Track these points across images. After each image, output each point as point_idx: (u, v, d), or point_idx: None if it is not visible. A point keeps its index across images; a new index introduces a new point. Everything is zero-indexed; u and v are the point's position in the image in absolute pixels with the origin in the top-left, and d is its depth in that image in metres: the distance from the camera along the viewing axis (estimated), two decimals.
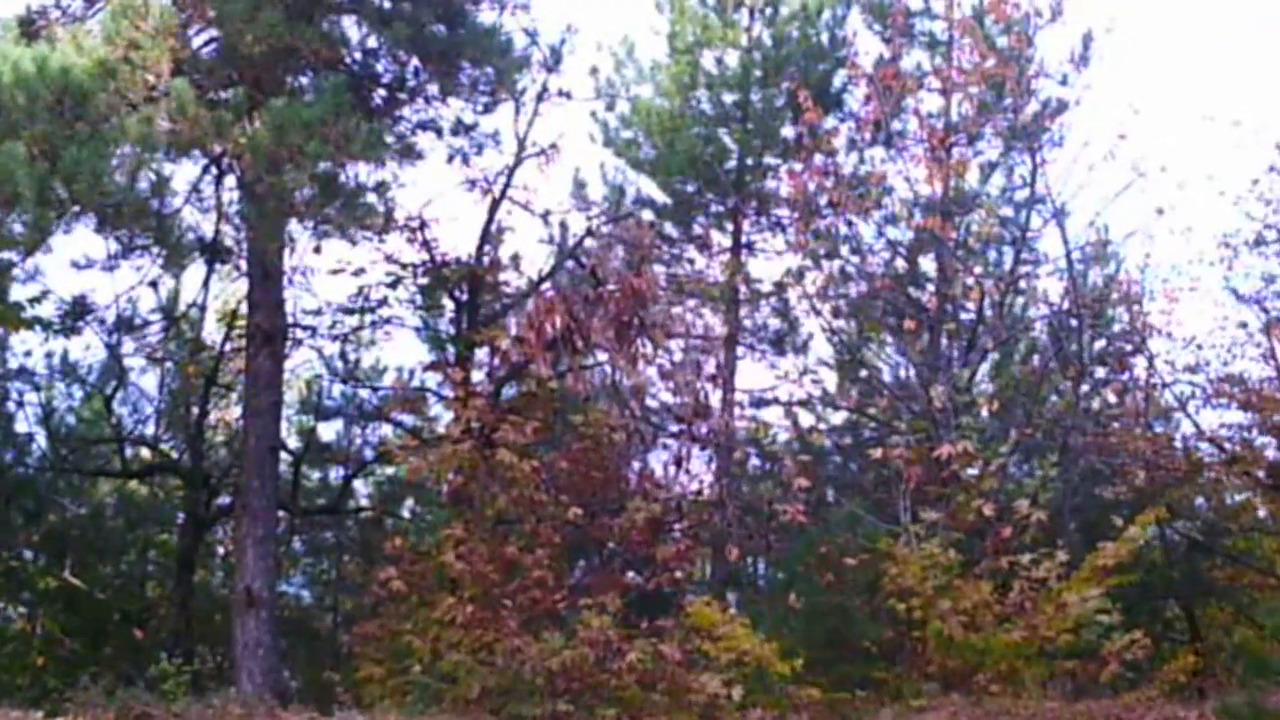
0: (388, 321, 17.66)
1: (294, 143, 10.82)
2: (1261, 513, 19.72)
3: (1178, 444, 18.07)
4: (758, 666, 12.46)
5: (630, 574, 14.46)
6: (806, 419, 20.77)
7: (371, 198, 12.44)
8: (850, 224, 20.17)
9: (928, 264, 20.13)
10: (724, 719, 11.86)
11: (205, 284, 18.05)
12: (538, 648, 11.47)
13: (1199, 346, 17.95)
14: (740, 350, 19.18)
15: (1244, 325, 18.34)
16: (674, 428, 15.38)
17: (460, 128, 15.51)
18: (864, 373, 20.48)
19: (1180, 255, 22.17)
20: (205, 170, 14.86)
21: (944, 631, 12.65)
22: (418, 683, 12.02)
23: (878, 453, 14.94)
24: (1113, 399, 18.89)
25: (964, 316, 19.04)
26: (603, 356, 14.33)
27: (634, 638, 12.21)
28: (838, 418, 21.95)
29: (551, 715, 10.73)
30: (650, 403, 16.49)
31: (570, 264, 15.90)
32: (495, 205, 16.72)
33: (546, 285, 14.63)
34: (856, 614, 14.52)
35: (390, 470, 20.68)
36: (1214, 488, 16.87)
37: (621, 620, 12.56)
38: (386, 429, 20.36)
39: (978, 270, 20.67)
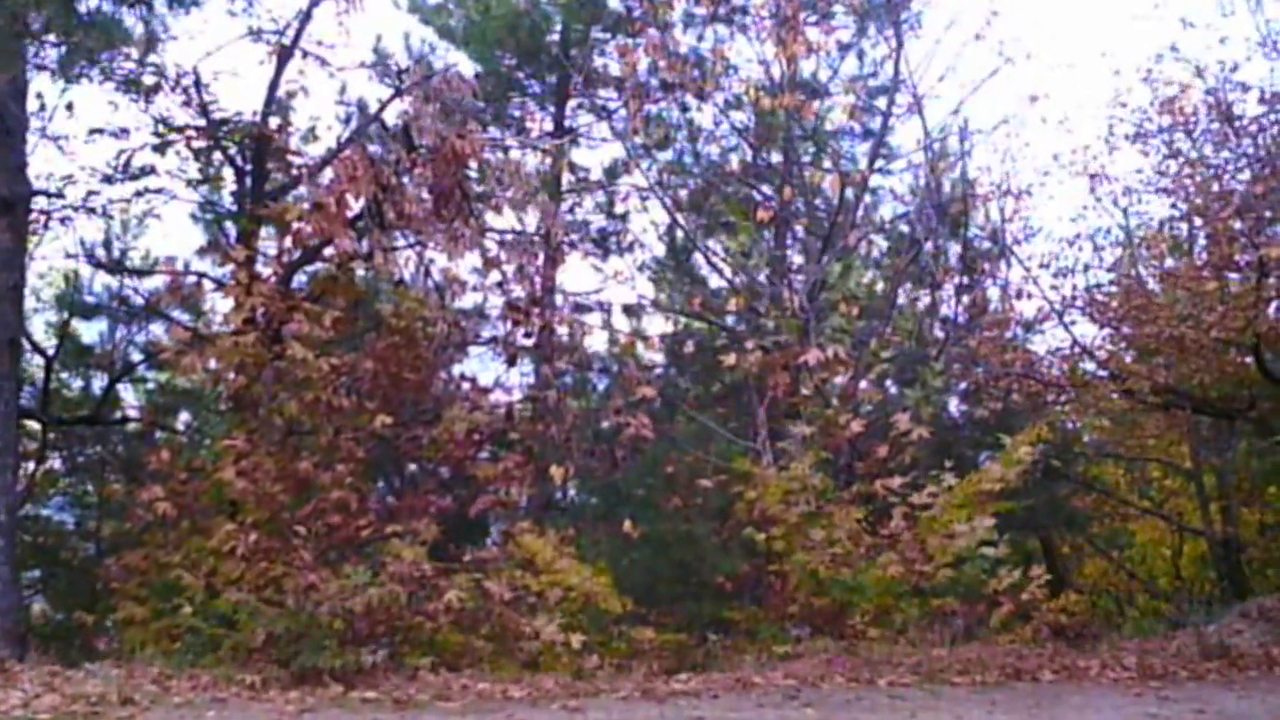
0: (158, 192, 15.73)
1: None
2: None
3: (1047, 357, 17.69)
4: (584, 604, 11.56)
5: (448, 496, 13.07)
6: (645, 325, 20.07)
7: (129, 20, 10.63)
8: (686, 108, 19.61)
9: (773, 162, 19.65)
10: (555, 668, 10.72)
11: None
12: (336, 585, 10.01)
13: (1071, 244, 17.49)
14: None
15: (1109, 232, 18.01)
16: (500, 324, 14.02)
17: None
18: (708, 274, 19.70)
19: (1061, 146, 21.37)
20: None
21: (809, 565, 11.84)
22: (188, 626, 10.48)
23: (730, 359, 13.88)
24: (985, 306, 18.33)
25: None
26: (418, 236, 12.81)
27: (453, 572, 10.89)
28: (673, 326, 21.24)
29: (354, 667, 9.35)
30: (470, 296, 15.19)
31: (377, 130, 14.31)
32: (285, 57, 14.98)
33: (348, 151, 12.96)
34: (708, 545, 13.72)
35: (163, 376, 19.26)
36: (1097, 407, 16.30)
37: (438, 551, 11.34)
38: (158, 328, 18.66)
39: (827, 164, 20.07)
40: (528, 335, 12.61)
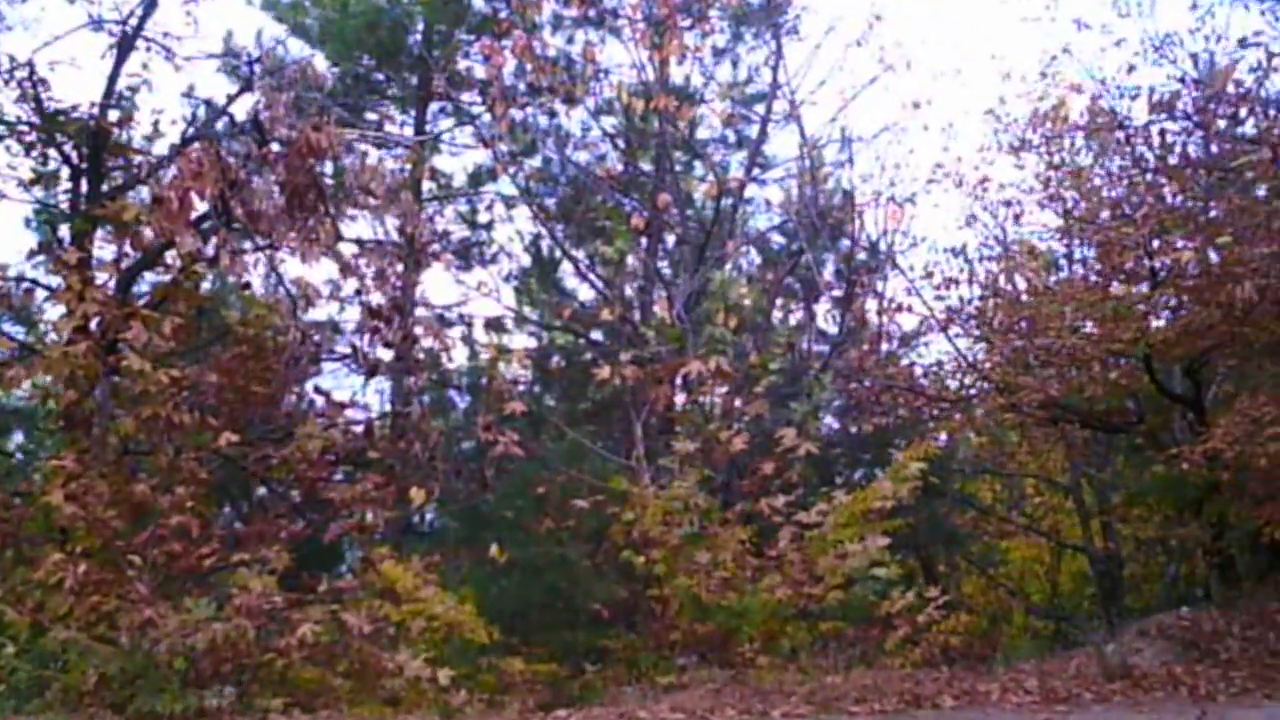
0: None
1: None
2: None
3: (931, 370, 17.53)
4: (448, 635, 11.02)
5: (300, 521, 12.30)
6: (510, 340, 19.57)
7: None
8: (554, 114, 19.16)
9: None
10: (420, 705, 10.09)
11: None
12: (176, 620, 9.26)
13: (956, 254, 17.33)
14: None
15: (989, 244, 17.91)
16: (357, 337, 13.29)
17: None
18: (577, 286, 19.28)
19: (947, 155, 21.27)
20: None
21: (692, 589, 11.39)
22: (11, 667, 9.62)
23: (603, 373, 13.35)
24: (865, 319, 18.10)
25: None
26: (269, 238, 12.05)
27: (306, 604, 10.18)
28: (538, 341, 20.74)
29: (197, 711, 8.62)
30: (325, 309, 14.48)
31: (226, 126, 13.58)
32: (127, 48, 14.21)
33: (194, 147, 12.17)
34: (582, 569, 13.24)
35: None
36: (982, 421, 16.13)
37: (289, 581, 10.53)
38: None
39: (700, 172, 19.76)
40: (388, 345, 11.89)
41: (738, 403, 14.33)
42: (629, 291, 17.40)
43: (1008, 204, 17.71)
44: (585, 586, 13.19)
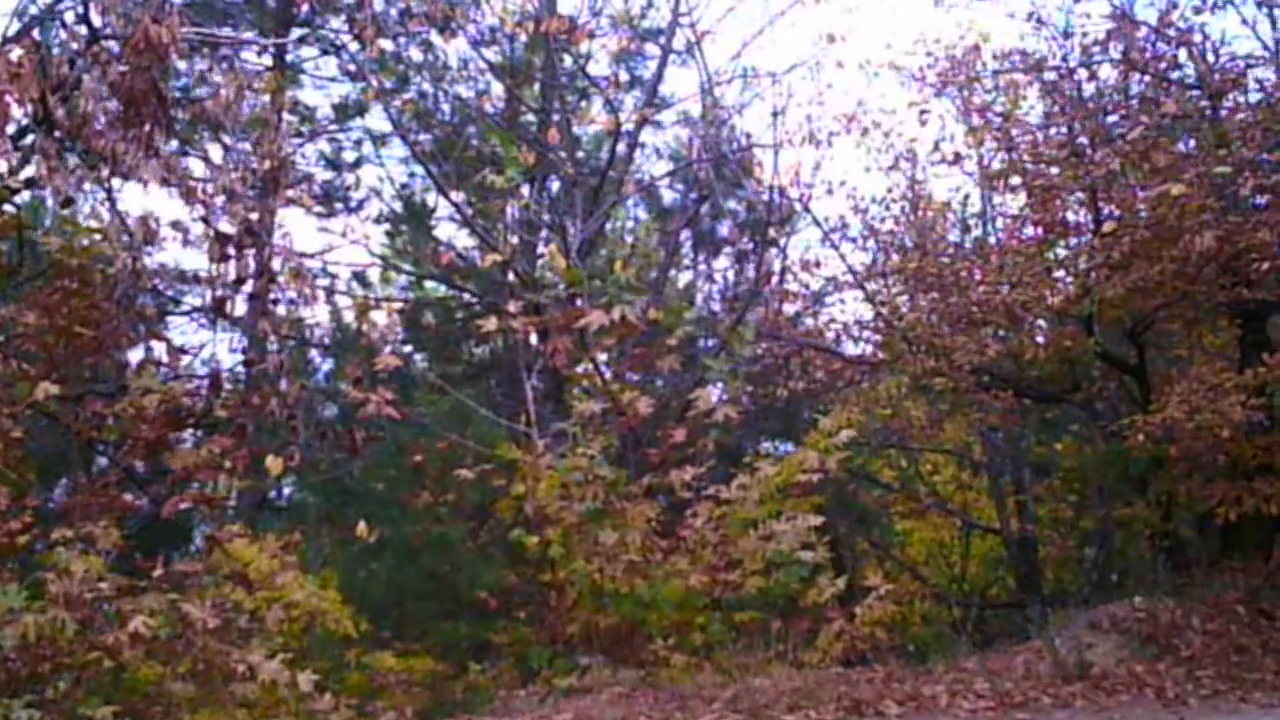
0: None
1: None
2: None
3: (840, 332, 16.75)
4: (307, 626, 10.29)
5: (135, 491, 10.97)
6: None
7: None
8: (429, 46, 18.23)
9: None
10: (277, 713, 8.93)
11: None
12: None
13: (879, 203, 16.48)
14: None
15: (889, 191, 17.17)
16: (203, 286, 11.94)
17: None
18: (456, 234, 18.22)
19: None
20: None
21: (593, 575, 10.39)
22: None
23: (489, 323, 12.07)
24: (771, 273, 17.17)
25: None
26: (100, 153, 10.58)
27: (141, 591, 8.89)
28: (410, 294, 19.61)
29: None
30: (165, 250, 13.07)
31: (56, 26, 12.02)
32: None
33: (10, 46, 10.64)
34: (465, 551, 12.23)
35: None
36: (910, 386, 15.22)
37: (121, 564, 9.32)
38: None
39: (597, 110, 18.87)
40: (239, 281, 10.46)
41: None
42: (513, 239, 16.19)
43: (912, 157, 17.02)
44: (469, 571, 12.21)
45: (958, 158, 15.74)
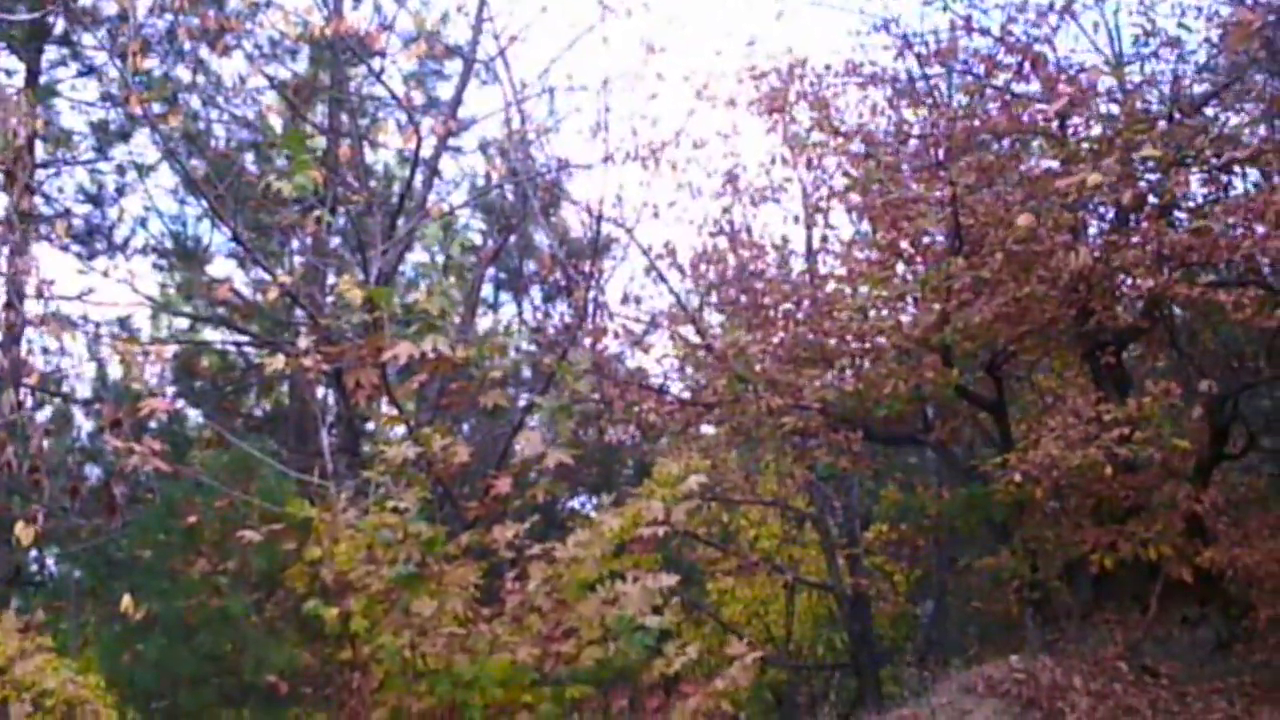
0: None
1: None
2: None
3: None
4: (65, 717, 8.82)
5: None
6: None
7: None
8: (201, 63, 17.24)
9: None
10: None
11: None
12: None
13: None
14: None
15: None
16: None
17: None
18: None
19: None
20: None
21: (403, 651, 9.00)
22: None
23: (276, 361, 10.70)
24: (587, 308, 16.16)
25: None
26: None
27: None
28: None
29: None
30: None
31: None
32: None
33: None
34: (250, 627, 10.88)
35: None
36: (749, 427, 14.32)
37: None
38: None
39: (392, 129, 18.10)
40: None
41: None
42: (299, 268, 14.98)
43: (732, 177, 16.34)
44: (254, 650, 10.78)
45: (783, 185, 15.17)
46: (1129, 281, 11.56)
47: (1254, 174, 13.55)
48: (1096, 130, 12.98)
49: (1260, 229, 11.20)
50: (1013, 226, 11.58)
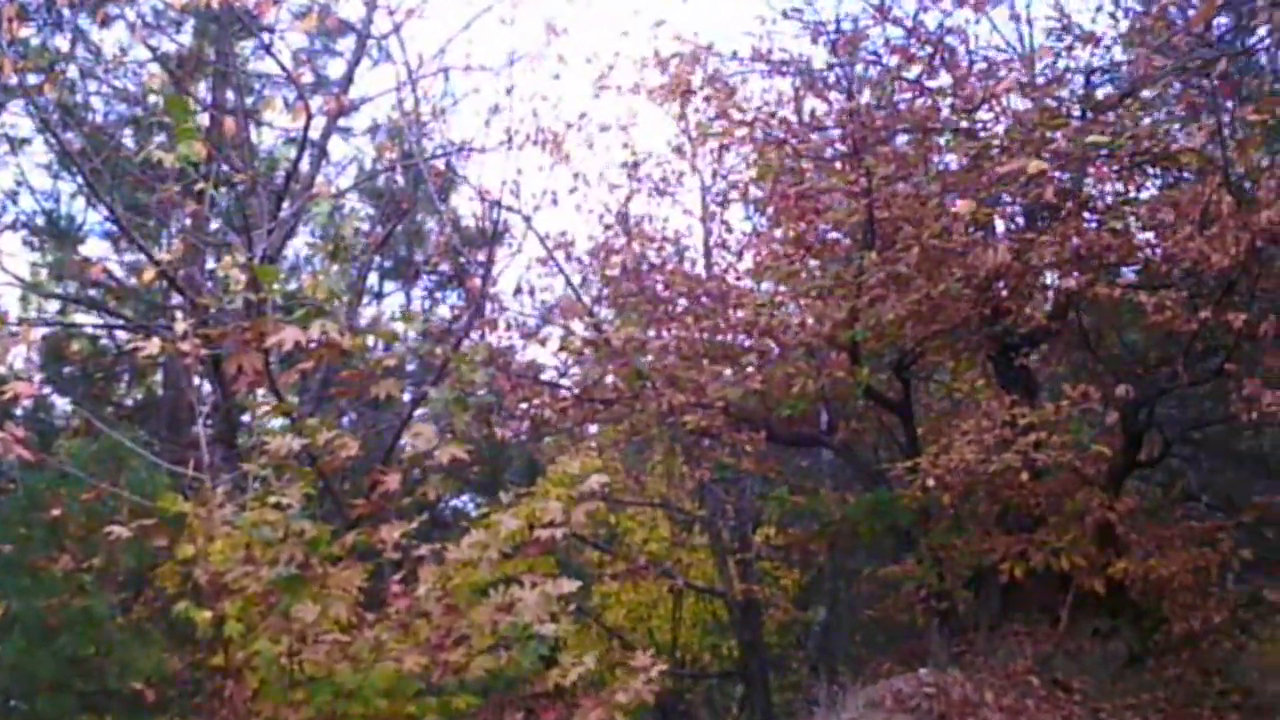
0: None
1: None
2: None
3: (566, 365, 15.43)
4: None
5: None
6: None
7: None
8: (81, 32, 16.68)
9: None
10: None
11: None
12: None
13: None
14: None
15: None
16: None
17: None
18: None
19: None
20: None
21: (281, 658, 8.56)
22: None
23: (151, 346, 10.05)
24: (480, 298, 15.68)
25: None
26: None
27: None
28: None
29: None
30: None
31: None
32: None
33: None
34: (116, 629, 10.38)
35: None
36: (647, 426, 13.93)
37: None
38: None
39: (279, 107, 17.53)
40: None
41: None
42: (178, 249, 14.32)
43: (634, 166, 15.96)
44: (120, 654, 10.28)
45: (680, 178, 14.80)
46: (1046, 280, 11.37)
47: (1165, 176, 13.47)
48: (1001, 129, 12.77)
49: (1186, 230, 11.03)
50: (925, 223, 11.34)
